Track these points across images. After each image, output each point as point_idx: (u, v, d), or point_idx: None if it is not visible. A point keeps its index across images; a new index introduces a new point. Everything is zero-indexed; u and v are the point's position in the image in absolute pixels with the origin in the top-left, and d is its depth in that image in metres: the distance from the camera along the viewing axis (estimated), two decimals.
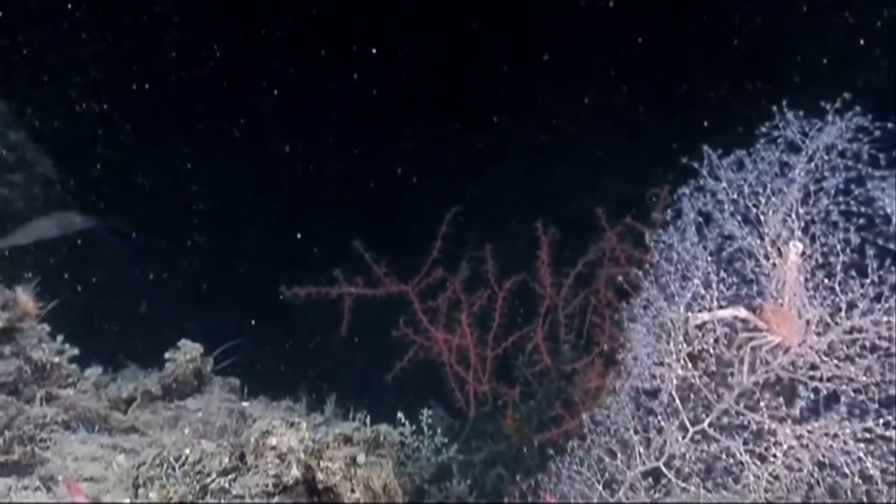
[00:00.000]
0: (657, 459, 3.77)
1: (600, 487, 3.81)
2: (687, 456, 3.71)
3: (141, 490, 3.49)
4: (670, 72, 6.94)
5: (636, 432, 3.82)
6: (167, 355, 5.08)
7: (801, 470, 3.62)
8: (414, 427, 4.95)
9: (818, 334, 3.69)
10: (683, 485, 3.68)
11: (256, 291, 6.85)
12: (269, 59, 7.39)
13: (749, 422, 3.68)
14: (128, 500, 3.51)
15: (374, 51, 7.36)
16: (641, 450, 3.78)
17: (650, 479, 3.75)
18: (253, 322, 6.96)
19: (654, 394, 3.79)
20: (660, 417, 3.79)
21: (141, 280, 7.29)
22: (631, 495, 3.76)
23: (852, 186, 3.69)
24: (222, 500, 3.46)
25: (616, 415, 3.88)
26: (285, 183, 7.66)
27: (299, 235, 7.43)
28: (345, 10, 7.11)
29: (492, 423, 5.76)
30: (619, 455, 3.85)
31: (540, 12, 7.09)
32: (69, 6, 7.05)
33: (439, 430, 5.13)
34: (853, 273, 3.64)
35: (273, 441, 3.63)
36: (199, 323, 6.44)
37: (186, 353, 5.07)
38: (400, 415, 4.87)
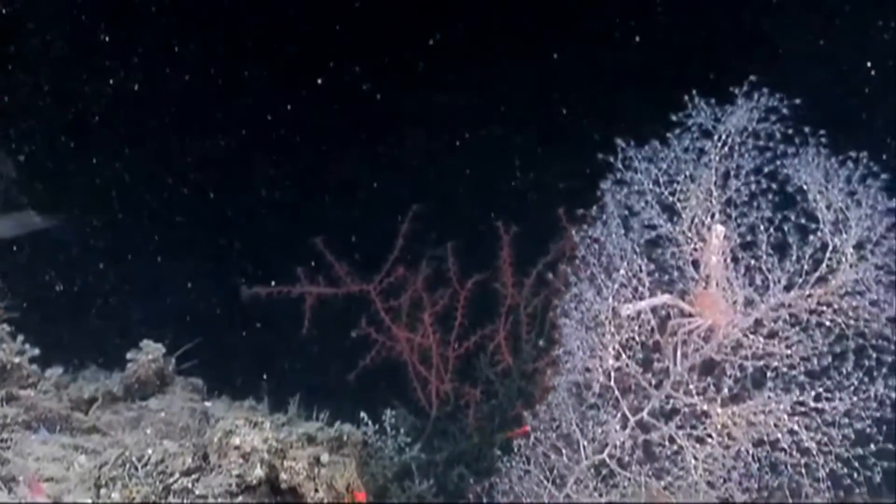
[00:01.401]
0: (601, 452, 3.84)
1: (549, 484, 3.89)
2: (629, 446, 3.79)
3: (103, 490, 3.48)
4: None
5: (578, 427, 3.88)
6: (129, 356, 5.03)
7: (737, 448, 3.71)
8: (377, 427, 5.03)
9: (745, 314, 3.74)
10: (626, 474, 3.77)
11: (218, 291, 6.85)
12: (224, 58, 7.32)
13: (685, 406, 3.75)
14: (90, 501, 3.48)
15: (326, 49, 7.31)
16: (585, 444, 3.85)
17: (596, 472, 3.84)
18: (215, 321, 6.95)
19: (590, 387, 3.84)
20: (600, 410, 3.85)
21: (100, 280, 7.27)
22: (579, 489, 3.83)
23: (767, 166, 3.74)
24: (185, 500, 3.46)
25: (557, 411, 3.94)
26: (245, 182, 7.62)
27: (261, 235, 7.42)
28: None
29: (454, 423, 5.79)
30: (564, 451, 3.91)
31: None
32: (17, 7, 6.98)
33: (402, 430, 5.16)
34: (774, 251, 3.70)
35: (236, 441, 3.63)
36: (161, 323, 6.46)
37: (148, 354, 5.03)
38: (363, 415, 4.93)
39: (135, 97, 7.32)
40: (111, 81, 7.31)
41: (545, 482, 3.89)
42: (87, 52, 7.20)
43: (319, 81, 7.34)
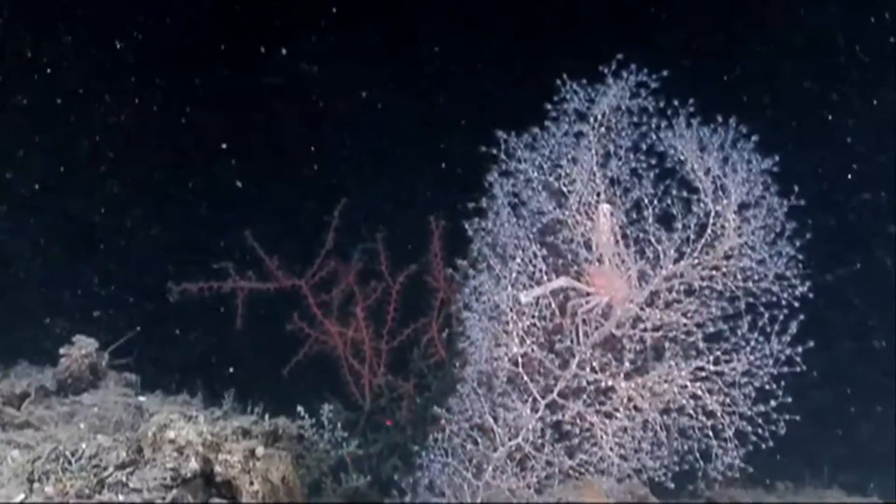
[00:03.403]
0: (515, 437, 3.89)
1: (468, 474, 3.94)
2: (541, 428, 3.85)
3: (36, 485, 3.42)
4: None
5: (491, 415, 3.93)
6: (62, 351, 4.97)
7: (645, 418, 3.78)
8: (313, 421, 5.03)
9: (640, 288, 3.79)
10: (542, 456, 3.83)
11: (151, 286, 6.80)
12: (158, 52, 7.24)
13: (591, 383, 3.80)
14: (23, 496, 3.41)
15: (262, 49, 7.25)
16: (499, 431, 3.90)
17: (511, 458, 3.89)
18: (148, 317, 6.93)
19: (498, 375, 3.89)
20: (510, 397, 3.90)
21: (33, 276, 7.22)
22: (498, 476, 3.89)
23: (644, 141, 3.77)
24: (119, 494, 3.40)
25: (468, 402, 3.98)
26: (177, 177, 7.54)
27: (193, 229, 7.35)
28: None
29: (388, 415, 5.74)
30: (479, 440, 3.96)
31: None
32: None
33: (339, 425, 5.17)
34: (661, 224, 3.75)
35: (171, 434, 3.60)
36: (94, 318, 6.43)
37: (81, 349, 4.97)
38: (300, 408, 4.94)
39: (70, 91, 7.22)
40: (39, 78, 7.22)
41: (464, 472, 3.94)
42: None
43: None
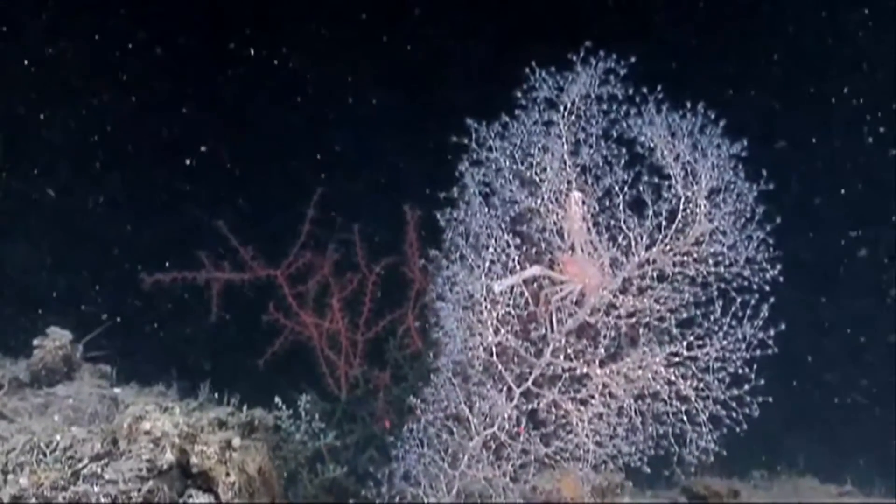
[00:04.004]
0: (491, 427, 3.89)
1: (444, 464, 3.93)
2: (516, 416, 3.85)
3: (10, 476, 3.39)
4: None
5: (466, 405, 3.92)
6: (35, 342, 4.95)
7: (620, 405, 3.79)
8: (290, 412, 4.99)
9: (613, 275, 3.80)
10: (517, 444, 3.83)
11: (125, 277, 6.72)
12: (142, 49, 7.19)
13: (566, 371, 3.80)
14: None
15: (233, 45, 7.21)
16: (474, 420, 3.89)
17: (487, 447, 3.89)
18: (122, 308, 6.86)
19: (473, 365, 3.88)
20: (485, 386, 3.90)
21: (6, 267, 7.14)
22: (473, 466, 3.88)
23: (614, 128, 3.77)
24: (95, 485, 3.35)
25: (443, 391, 3.97)
26: (151, 169, 7.47)
27: (168, 220, 7.28)
28: None
29: (364, 407, 5.74)
30: (454, 430, 3.95)
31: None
32: None
33: (317, 416, 5.09)
34: (632, 211, 3.76)
35: (147, 426, 3.58)
36: (69, 309, 6.32)
37: (55, 340, 4.96)
38: (277, 399, 4.92)
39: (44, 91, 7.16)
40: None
41: (440, 462, 3.93)
42: None
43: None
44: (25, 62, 7.15)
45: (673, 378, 3.73)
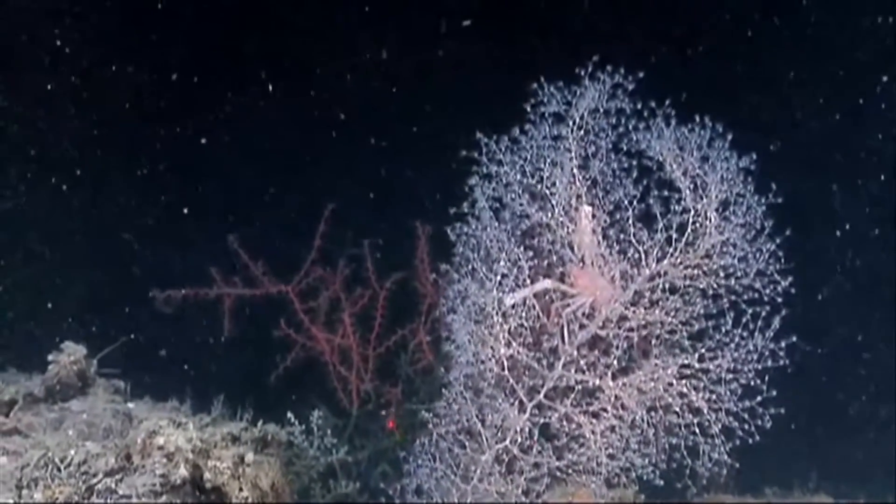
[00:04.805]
0: (503, 441, 3.88)
1: (455, 478, 3.93)
2: (528, 430, 3.85)
3: (25, 491, 3.40)
4: None
5: (478, 418, 3.93)
6: (50, 357, 4.89)
7: (632, 417, 3.78)
8: (302, 427, 4.97)
9: (624, 288, 3.81)
10: (527, 457, 3.83)
11: (139, 293, 6.75)
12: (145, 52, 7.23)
13: (578, 384, 3.80)
14: (11, 502, 3.40)
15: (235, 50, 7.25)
16: (486, 434, 3.89)
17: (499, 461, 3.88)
18: (137, 324, 6.87)
19: (485, 378, 3.89)
20: (497, 399, 3.90)
21: (21, 282, 7.15)
22: (486, 480, 3.87)
23: (623, 142, 3.80)
24: (109, 500, 3.38)
25: (455, 405, 3.98)
26: (163, 184, 7.51)
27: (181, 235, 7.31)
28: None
29: (375, 422, 5.74)
30: (466, 444, 3.95)
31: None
32: None
33: (329, 431, 5.07)
34: (643, 224, 3.76)
35: (160, 441, 3.58)
36: (83, 325, 6.30)
37: (70, 355, 4.88)
38: (290, 415, 4.92)
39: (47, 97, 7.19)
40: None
41: (452, 476, 3.93)
42: None
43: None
44: (49, 87, 7.19)
45: (685, 390, 3.72)
